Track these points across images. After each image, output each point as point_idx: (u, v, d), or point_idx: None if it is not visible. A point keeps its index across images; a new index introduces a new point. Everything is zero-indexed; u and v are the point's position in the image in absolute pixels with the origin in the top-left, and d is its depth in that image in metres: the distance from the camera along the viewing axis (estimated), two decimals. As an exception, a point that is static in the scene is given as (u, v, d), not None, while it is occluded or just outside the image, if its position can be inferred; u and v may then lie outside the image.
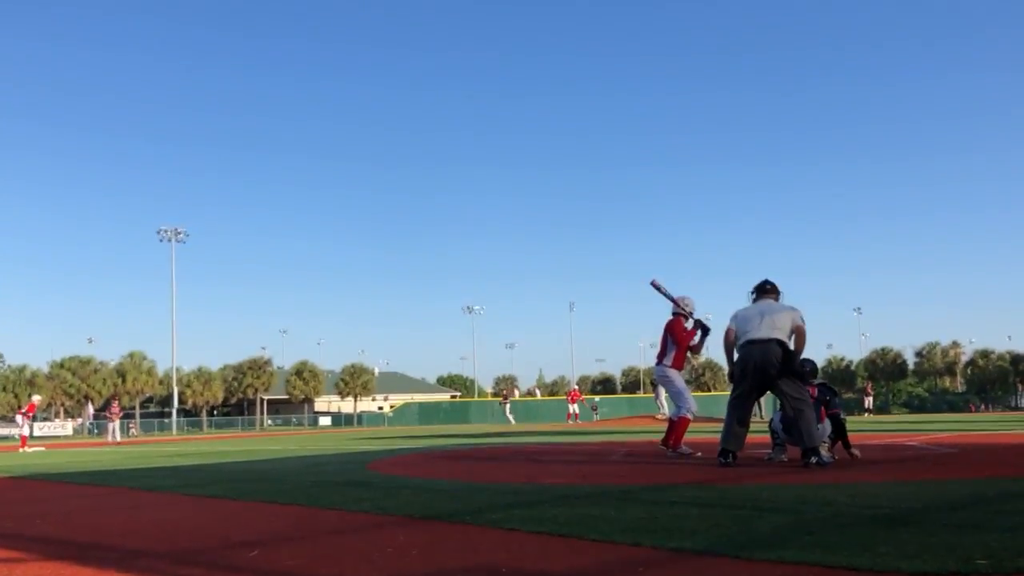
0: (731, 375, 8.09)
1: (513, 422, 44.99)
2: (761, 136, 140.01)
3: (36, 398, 31.82)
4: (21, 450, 24.56)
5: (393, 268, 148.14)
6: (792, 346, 7.64)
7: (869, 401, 48.11)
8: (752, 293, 8.19)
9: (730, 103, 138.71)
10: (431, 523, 4.59)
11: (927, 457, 8.53)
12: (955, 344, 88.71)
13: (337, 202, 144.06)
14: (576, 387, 56.46)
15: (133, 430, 64.23)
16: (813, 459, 7.28)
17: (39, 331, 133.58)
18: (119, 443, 29.03)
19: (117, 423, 33.43)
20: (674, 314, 9.82)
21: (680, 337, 9.67)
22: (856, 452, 8.22)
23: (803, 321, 7.76)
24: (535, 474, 7.78)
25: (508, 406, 48.92)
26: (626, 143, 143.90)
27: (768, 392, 8.00)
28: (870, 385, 52.25)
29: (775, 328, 7.61)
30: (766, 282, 8.13)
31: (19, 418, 28.27)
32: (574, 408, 42.36)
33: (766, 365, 7.56)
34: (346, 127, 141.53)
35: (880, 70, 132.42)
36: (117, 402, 36.45)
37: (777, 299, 8.04)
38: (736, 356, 7.92)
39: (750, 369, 7.71)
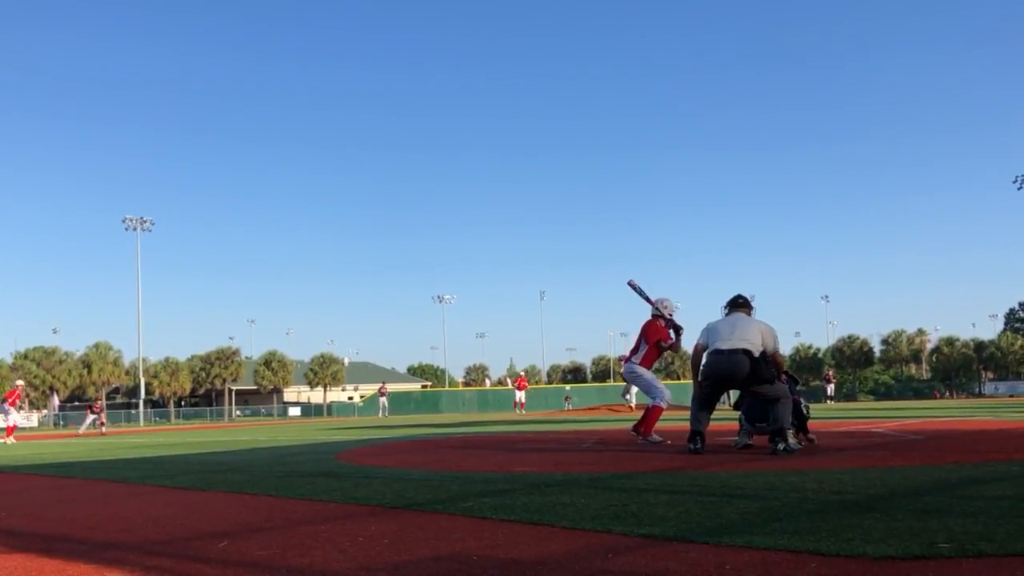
0: (697, 388, 8.11)
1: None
2: (730, 123, 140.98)
3: (19, 383, 30.45)
4: (4, 441, 23.99)
5: (363, 257, 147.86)
6: (758, 356, 7.60)
7: (831, 388, 48.27)
8: (725, 308, 8.22)
9: (699, 90, 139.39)
10: (402, 512, 4.59)
11: (893, 444, 8.64)
12: (921, 332, 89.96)
13: (305, 191, 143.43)
14: (522, 374, 56.57)
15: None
16: (780, 445, 7.35)
17: (2, 321, 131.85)
18: (82, 435, 28.32)
19: (91, 418, 33.03)
20: (652, 316, 9.88)
21: (651, 338, 9.73)
22: (813, 437, 8.43)
23: (776, 340, 7.79)
24: (506, 463, 7.79)
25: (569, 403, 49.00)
26: (597, 131, 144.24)
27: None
28: (831, 372, 52.40)
29: (746, 340, 7.61)
30: (739, 296, 8.17)
31: (5, 407, 26.80)
32: (521, 396, 42.48)
33: (732, 374, 7.62)
34: (312, 115, 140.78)
35: (848, 52, 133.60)
36: (99, 401, 36.10)
37: (749, 313, 8.08)
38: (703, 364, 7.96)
39: (715, 378, 7.79)
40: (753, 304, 8.25)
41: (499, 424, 20.79)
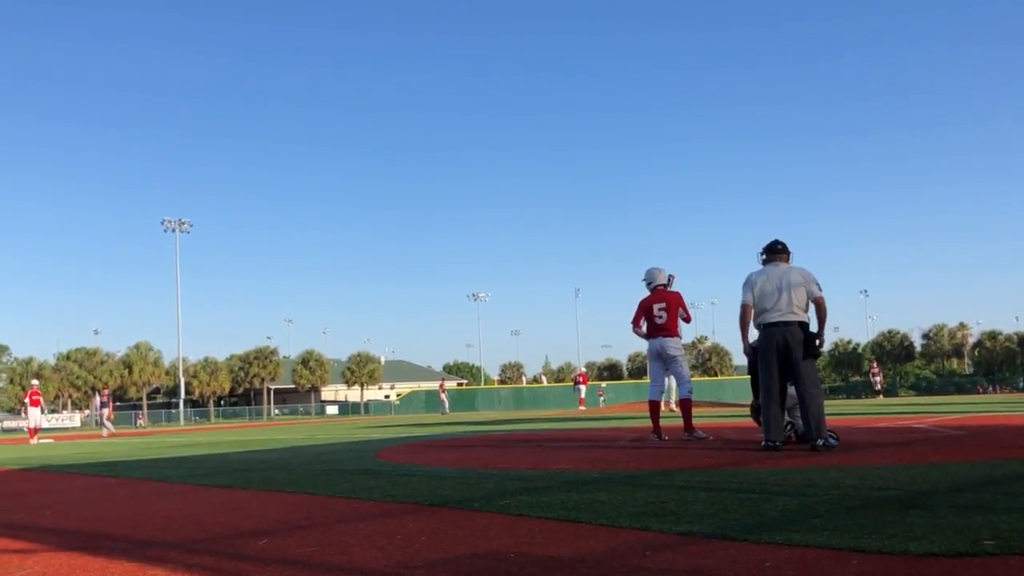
0: (746, 351, 7.94)
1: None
2: (765, 117, 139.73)
3: (35, 382, 29.82)
4: (32, 441, 24.10)
5: (398, 256, 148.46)
6: (810, 323, 7.57)
7: (878, 381, 46.52)
8: (761, 254, 7.91)
9: (731, 82, 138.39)
10: (439, 510, 4.60)
11: (934, 439, 8.52)
12: (962, 326, 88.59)
13: (341, 191, 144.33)
14: (584, 369, 55.75)
15: (141, 421, 64.55)
16: (820, 442, 7.27)
17: (45, 323, 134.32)
18: (112, 435, 27.67)
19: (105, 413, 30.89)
20: (664, 286, 9.83)
21: (681, 311, 9.69)
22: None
23: (820, 289, 7.60)
24: (543, 460, 7.79)
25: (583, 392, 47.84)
26: (630, 126, 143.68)
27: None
28: (876, 365, 50.98)
29: (795, 306, 7.48)
30: (776, 242, 7.86)
31: (29, 406, 26.81)
32: (583, 391, 41.95)
33: (789, 349, 7.45)
34: (349, 116, 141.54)
35: (885, 44, 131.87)
36: (105, 392, 34.38)
37: (788, 260, 7.81)
38: (758, 336, 7.75)
39: (773, 351, 7.53)
40: (791, 251, 7.86)
41: (535, 422, 20.79)
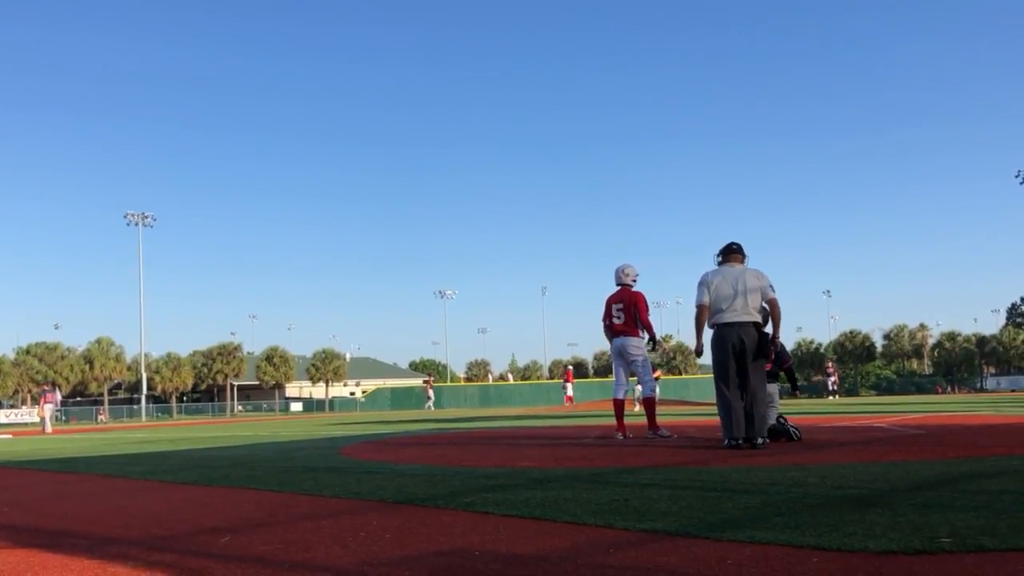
0: (699, 351, 8.03)
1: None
2: (729, 114, 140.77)
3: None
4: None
5: (364, 253, 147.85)
6: (764, 329, 7.71)
7: (833, 382, 46.30)
8: (717, 256, 8.03)
9: (696, 82, 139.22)
10: (404, 507, 4.59)
11: (895, 439, 8.64)
12: (922, 327, 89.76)
13: (306, 186, 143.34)
14: (570, 368, 55.19)
15: (102, 417, 63.73)
16: (759, 440, 7.47)
17: (4, 316, 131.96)
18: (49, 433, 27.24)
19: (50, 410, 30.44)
20: (625, 285, 9.73)
21: (645, 312, 9.63)
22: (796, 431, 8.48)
23: (773, 290, 7.73)
24: (508, 458, 7.80)
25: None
26: (595, 123, 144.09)
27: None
28: (832, 365, 50.82)
29: (751, 307, 7.61)
30: (732, 244, 7.98)
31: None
32: (570, 389, 41.76)
33: (744, 348, 7.59)
34: (314, 109, 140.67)
35: (851, 45, 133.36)
36: (52, 389, 33.68)
37: (743, 261, 7.92)
38: (712, 335, 7.86)
39: (728, 351, 7.64)
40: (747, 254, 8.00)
41: (500, 420, 20.81)
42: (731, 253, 7.93)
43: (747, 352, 7.58)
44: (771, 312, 7.80)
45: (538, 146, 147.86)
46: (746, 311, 7.62)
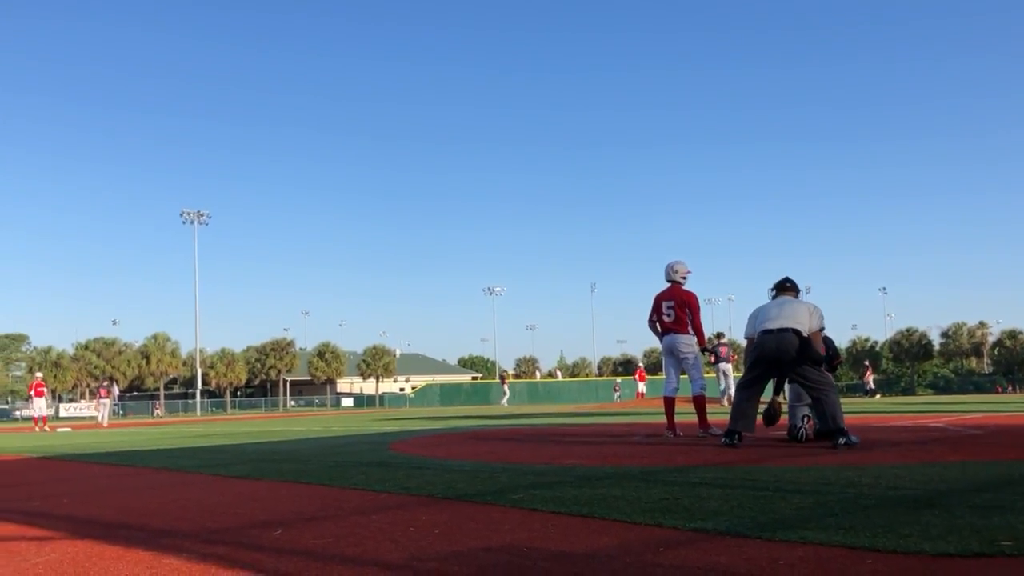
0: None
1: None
2: (784, 114, 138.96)
3: (38, 374, 30.71)
4: (36, 429, 25.13)
5: (414, 249, 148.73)
6: (808, 336, 7.61)
7: (868, 382, 45.94)
8: (772, 290, 8.26)
9: (751, 81, 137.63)
10: (453, 503, 4.60)
11: (952, 439, 8.47)
12: (982, 324, 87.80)
13: (358, 183, 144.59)
14: (641, 365, 54.69)
15: (158, 411, 64.98)
16: (841, 440, 7.29)
17: (64, 313, 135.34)
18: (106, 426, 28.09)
19: (107, 404, 31.72)
20: (676, 282, 9.65)
21: (697, 310, 9.58)
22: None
23: (821, 320, 7.72)
24: (557, 455, 7.78)
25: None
26: (647, 122, 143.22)
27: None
28: (869, 370, 49.90)
29: (792, 319, 7.61)
30: (786, 280, 8.21)
31: (34, 399, 28.02)
32: (642, 387, 41.65)
33: (780, 354, 7.56)
34: (369, 107, 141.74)
35: (902, 43, 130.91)
36: (110, 384, 35.27)
37: (796, 296, 8.09)
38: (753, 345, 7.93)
39: (763, 358, 7.73)
40: (800, 288, 8.27)
41: (549, 416, 20.80)
42: (784, 289, 8.16)
43: (784, 356, 7.55)
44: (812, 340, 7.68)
45: (591, 146, 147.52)
46: (785, 321, 7.61)
